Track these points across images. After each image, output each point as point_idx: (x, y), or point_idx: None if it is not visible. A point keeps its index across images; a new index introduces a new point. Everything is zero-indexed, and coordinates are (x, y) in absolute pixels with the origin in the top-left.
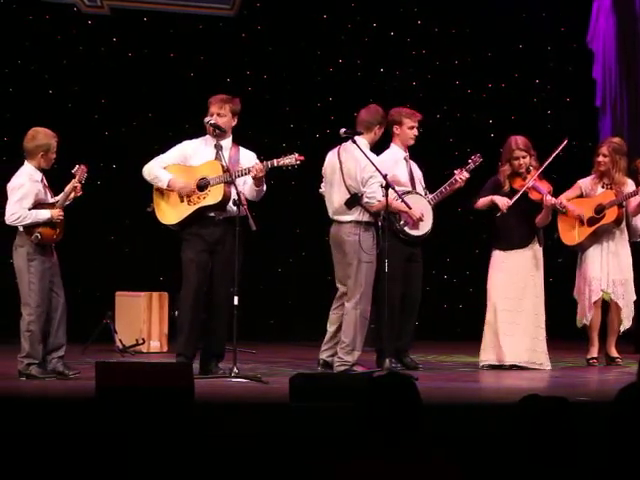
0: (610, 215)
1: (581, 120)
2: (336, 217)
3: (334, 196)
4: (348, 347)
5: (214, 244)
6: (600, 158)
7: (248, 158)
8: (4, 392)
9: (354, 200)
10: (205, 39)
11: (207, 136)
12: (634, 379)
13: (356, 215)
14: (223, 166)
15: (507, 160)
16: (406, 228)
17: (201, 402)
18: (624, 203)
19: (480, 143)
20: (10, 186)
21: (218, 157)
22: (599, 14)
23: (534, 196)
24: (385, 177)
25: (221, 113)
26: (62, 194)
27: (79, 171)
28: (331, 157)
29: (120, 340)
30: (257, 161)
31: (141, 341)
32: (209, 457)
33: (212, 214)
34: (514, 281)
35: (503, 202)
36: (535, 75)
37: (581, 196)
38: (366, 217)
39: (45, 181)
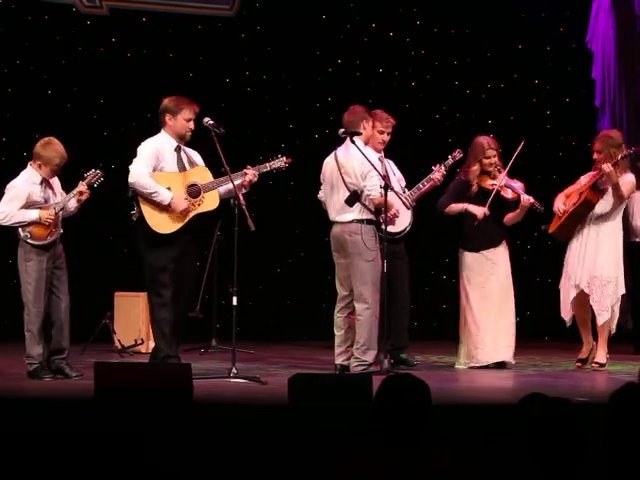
0: (580, 198)
1: (580, 120)
2: (338, 218)
3: (334, 197)
4: (364, 347)
5: (185, 246)
6: (595, 155)
7: (197, 157)
8: (4, 392)
9: (354, 197)
10: (204, 39)
11: (162, 136)
12: (626, 382)
13: (357, 213)
14: (227, 170)
15: (477, 160)
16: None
17: (200, 402)
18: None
19: None
20: (7, 186)
21: (180, 159)
22: (598, 14)
23: (507, 194)
24: (384, 177)
25: (193, 118)
26: (65, 197)
27: (90, 175)
28: (329, 161)
29: (119, 340)
30: (249, 167)
31: (140, 341)
32: (208, 457)
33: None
34: (487, 282)
35: (479, 211)
36: (534, 75)
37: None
38: (367, 215)
39: (51, 183)
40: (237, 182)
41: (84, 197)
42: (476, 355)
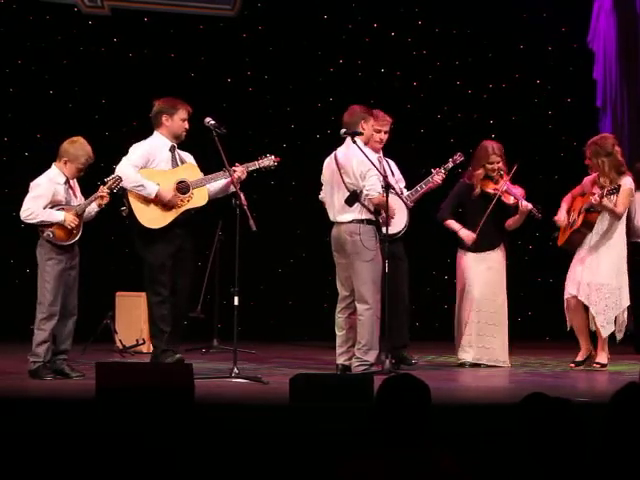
0: (579, 220)
1: (582, 120)
2: (338, 218)
3: (334, 197)
4: (365, 347)
5: (181, 242)
6: (586, 161)
7: (190, 158)
8: (5, 391)
9: (353, 197)
10: (206, 39)
11: (156, 137)
12: (627, 381)
13: (356, 213)
14: (228, 168)
15: (481, 165)
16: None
17: (201, 402)
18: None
19: None
20: (31, 184)
21: (174, 159)
22: (600, 14)
23: (507, 200)
24: (385, 177)
25: (188, 118)
26: (86, 200)
27: (111, 180)
28: (328, 161)
29: (120, 340)
30: (237, 164)
31: (141, 341)
32: (209, 457)
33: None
34: (487, 282)
35: (468, 236)
36: (536, 75)
37: (584, 193)
38: (366, 215)
39: (72, 185)
40: (225, 180)
41: (104, 201)
42: (474, 354)
